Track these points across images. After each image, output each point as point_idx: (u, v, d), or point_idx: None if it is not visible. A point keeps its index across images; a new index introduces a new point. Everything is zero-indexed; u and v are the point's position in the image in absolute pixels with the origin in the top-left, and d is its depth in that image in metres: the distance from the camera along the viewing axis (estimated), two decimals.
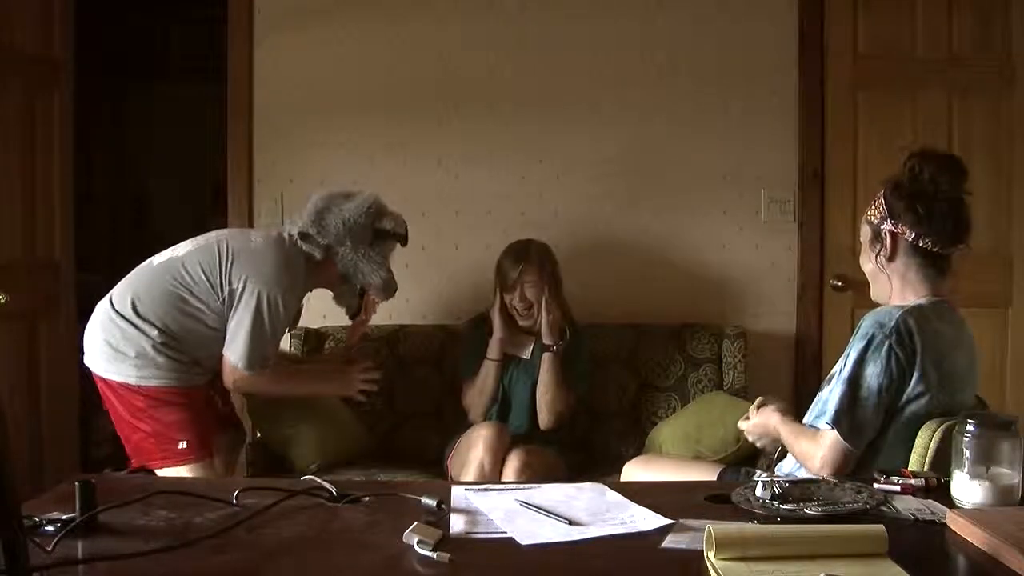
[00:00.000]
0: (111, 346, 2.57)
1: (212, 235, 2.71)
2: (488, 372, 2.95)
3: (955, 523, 1.38)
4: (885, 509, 1.46)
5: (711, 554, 1.21)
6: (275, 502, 1.49)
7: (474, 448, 2.71)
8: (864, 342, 1.84)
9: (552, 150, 3.41)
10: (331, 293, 2.90)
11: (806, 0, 3.36)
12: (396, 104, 3.41)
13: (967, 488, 1.47)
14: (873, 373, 1.82)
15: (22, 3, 3.21)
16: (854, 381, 1.83)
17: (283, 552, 1.33)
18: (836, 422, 1.81)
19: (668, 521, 1.41)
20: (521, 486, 1.66)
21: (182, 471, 2.53)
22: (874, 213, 1.95)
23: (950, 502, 1.48)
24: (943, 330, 1.88)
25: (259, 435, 3.01)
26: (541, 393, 2.93)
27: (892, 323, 1.83)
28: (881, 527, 1.25)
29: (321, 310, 3.42)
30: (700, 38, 3.38)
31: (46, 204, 3.32)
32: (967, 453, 1.48)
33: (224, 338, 2.59)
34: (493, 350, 2.95)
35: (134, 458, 2.60)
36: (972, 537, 1.32)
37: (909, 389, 1.83)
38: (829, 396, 1.87)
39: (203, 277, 2.57)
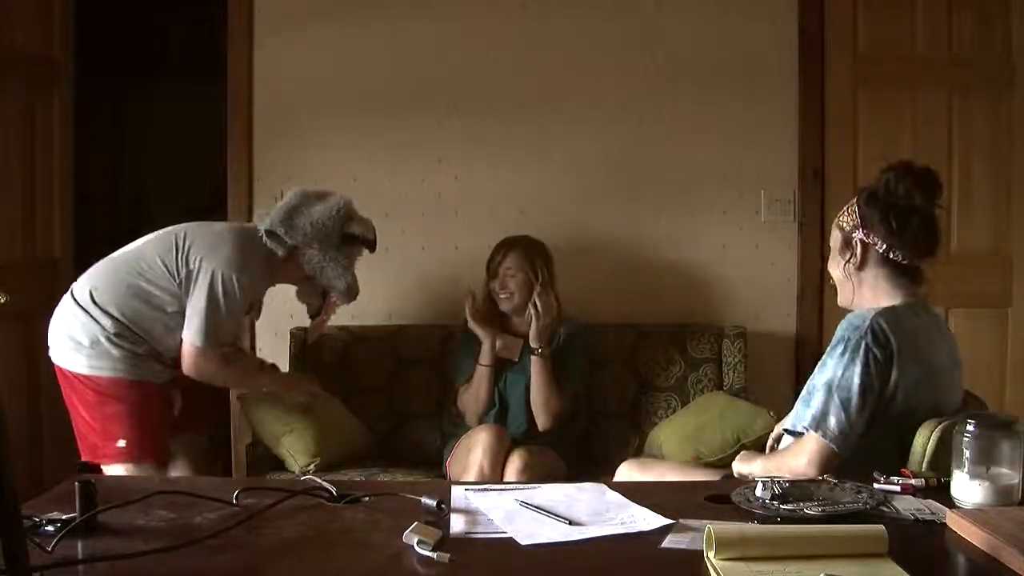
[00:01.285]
0: (69, 336, 2.58)
1: (173, 227, 2.69)
2: (481, 377, 2.95)
3: (955, 523, 1.38)
4: (885, 509, 1.46)
5: (711, 554, 1.21)
6: (275, 502, 1.49)
7: (473, 452, 2.71)
8: (841, 345, 1.84)
9: (552, 150, 3.41)
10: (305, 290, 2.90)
11: (806, 0, 3.36)
12: (396, 104, 3.41)
13: (967, 488, 1.48)
14: (853, 373, 1.80)
15: (22, 3, 3.21)
16: (833, 384, 1.82)
17: (283, 552, 1.33)
18: (816, 426, 1.80)
19: (668, 521, 1.41)
20: (521, 486, 1.66)
21: (119, 470, 2.52)
22: (847, 220, 1.96)
23: (950, 502, 1.48)
24: (919, 328, 1.89)
25: (258, 435, 3.01)
26: (535, 396, 2.92)
27: (865, 324, 1.83)
28: (881, 527, 1.25)
29: None
30: (700, 38, 3.38)
31: (46, 204, 3.33)
32: (967, 453, 1.48)
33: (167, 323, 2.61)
34: (485, 356, 2.95)
35: (84, 453, 2.61)
36: (972, 537, 1.32)
37: (890, 388, 1.82)
38: (808, 402, 1.86)
39: (160, 263, 2.57)
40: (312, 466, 2.80)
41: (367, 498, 1.55)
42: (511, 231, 3.18)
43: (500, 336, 2.97)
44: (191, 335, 2.57)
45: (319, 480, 1.59)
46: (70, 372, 2.58)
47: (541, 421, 2.93)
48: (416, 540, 1.28)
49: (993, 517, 1.35)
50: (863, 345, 1.81)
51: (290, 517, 1.45)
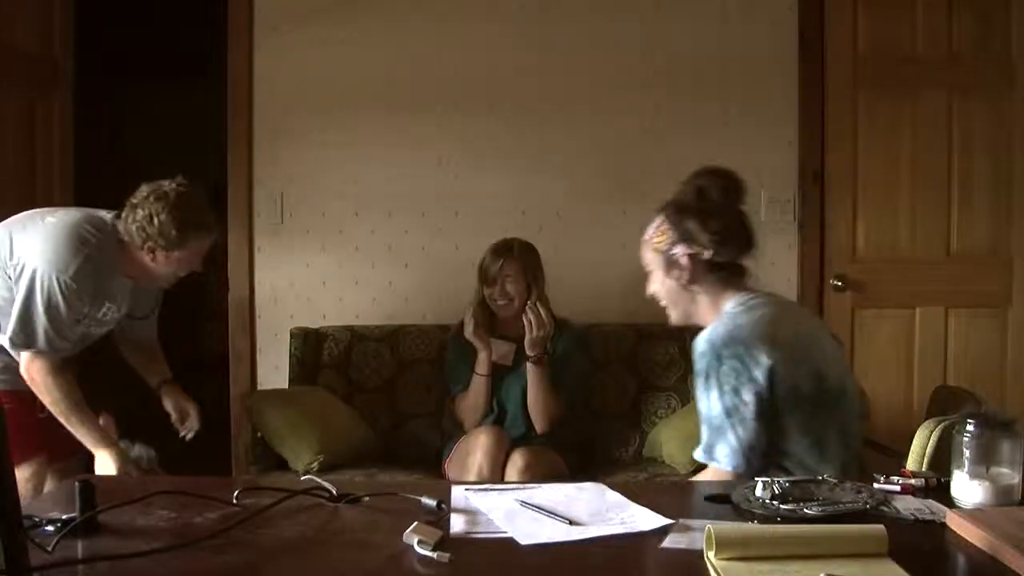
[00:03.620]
0: None
1: (9, 220, 2.46)
2: (479, 387, 2.94)
3: (955, 523, 1.38)
4: (885, 509, 1.46)
5: (711, 554, 1.21)
6: (275, 502, 1.49)
7: (472, 454, 2.70)
8: (699, 378, 1.88)
9: (552, 150, 3.41)
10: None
11: (806, 0, 3.36)
12: (396, 104, 3.41)
13: (967, 488, 1.47)
14: (714, 403, 1.83)
15: (22, 3, 3.21)
16: (706, 417, 1.86)
17: (283, 552, 1.33)
18: (711, 457, 1.84)
19: (668, 521, 1.41)
20: (521, 486, 1.66)
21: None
22: (661, 240, 1.98)
23: (950, 502, 1.48)
24: (761, 315, 1.88)
25: (259, 435, 3.01)
26: (531, 402, 2.92)
27: (706, 349, 1.87)
28: (881, 527, 1.25)
29: (321, 310, 3.44)
30: (700, 38, 3.38)
31: (46, 205, 3.31)
32: (967, 453, 1.48)
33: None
34: (482, 365, 2.94)
35: None
36: (972, 537, 1.32)
37: (761, 383, 1.80)
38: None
39: None
40: (315, 464, 2.80)
41: (367, 498, 1.54)
42: (511, 231, 3.18)
43: (495, 343, 2.96)
44: (8, 339, 2.33)
45: (319, 480, 1.59)
46: None
47: (539, 425, 2.93)
48: (416, 540, 1.28)
49: (993, 517, 1.35)
50: (710, 372, 1.84)
51: (290, 517, 1.45)
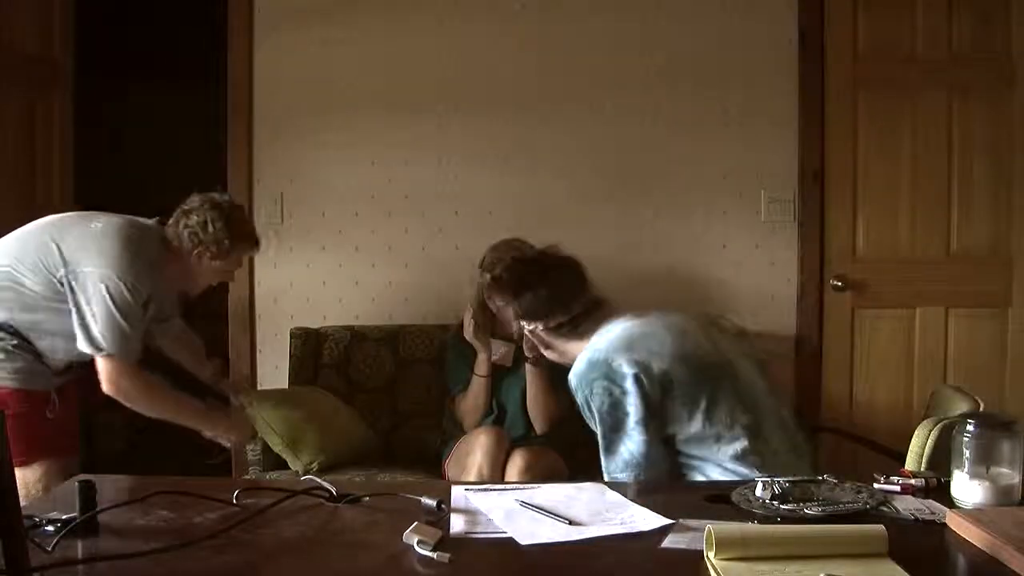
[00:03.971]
0: None
1: (45, 222, 2.47)
2: (479, 387, 2.93)
3: (955, 523, 1.38)
4: (885, 509, 1.47)
5: (711, 554, 1.21)
6: (275, 502, 1.49)
7: (472, 455, 2.70)
8: (582, 409, 1.95)
9: (552, 150, 3.41)
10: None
11: (806, 0, 3.36)
12: (396, 104, 3.41)
13: (967, 488, 1.48)
14: (600, 423, 1.90)
15: (22, 3, 3.21)
16: (601, 443, 1.92)
17: (283, 552, 1.33)
18: (609, 475, 1.90)
19: (668, 521, 1.41)
20: (521, 486, 1.67)
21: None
22: (513, 318, 2.08)
23: (950, 502, 1.48)
24: (614, 333, 1.95)
25: (261, 433, 3.01)
26: (531, 402, 2.91)
27: (576, 380, 1.93)
28: (881, 527, 1.25)
29: (321, 310, 3.44)
30: (700, 38, 3.38)
31: (46, 205, 3.32)
32: (967, 453, 1.48)
33: (63, 327, 2.38)
34: (481, 366, 2.94)
35: None
36: (972, 537, 1.32)
37: (633, 394, 1.86)
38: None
39: (40, 265, 2.35)
40: (315, 465, 2.80)
41: (367, 498, 1.55)
42: (511, 231, 3.17)
43: (494, 344, 2.96)
44: (87, 345, 2.35)
45: (319, 480, 1.59)
46: None
47: (538, 425, 2.92)
48: (416, 540, 1.28)
49: (993, 517, 1.35)
50: (588, 400, 1.92)
51: (290, 517, 1.46)
